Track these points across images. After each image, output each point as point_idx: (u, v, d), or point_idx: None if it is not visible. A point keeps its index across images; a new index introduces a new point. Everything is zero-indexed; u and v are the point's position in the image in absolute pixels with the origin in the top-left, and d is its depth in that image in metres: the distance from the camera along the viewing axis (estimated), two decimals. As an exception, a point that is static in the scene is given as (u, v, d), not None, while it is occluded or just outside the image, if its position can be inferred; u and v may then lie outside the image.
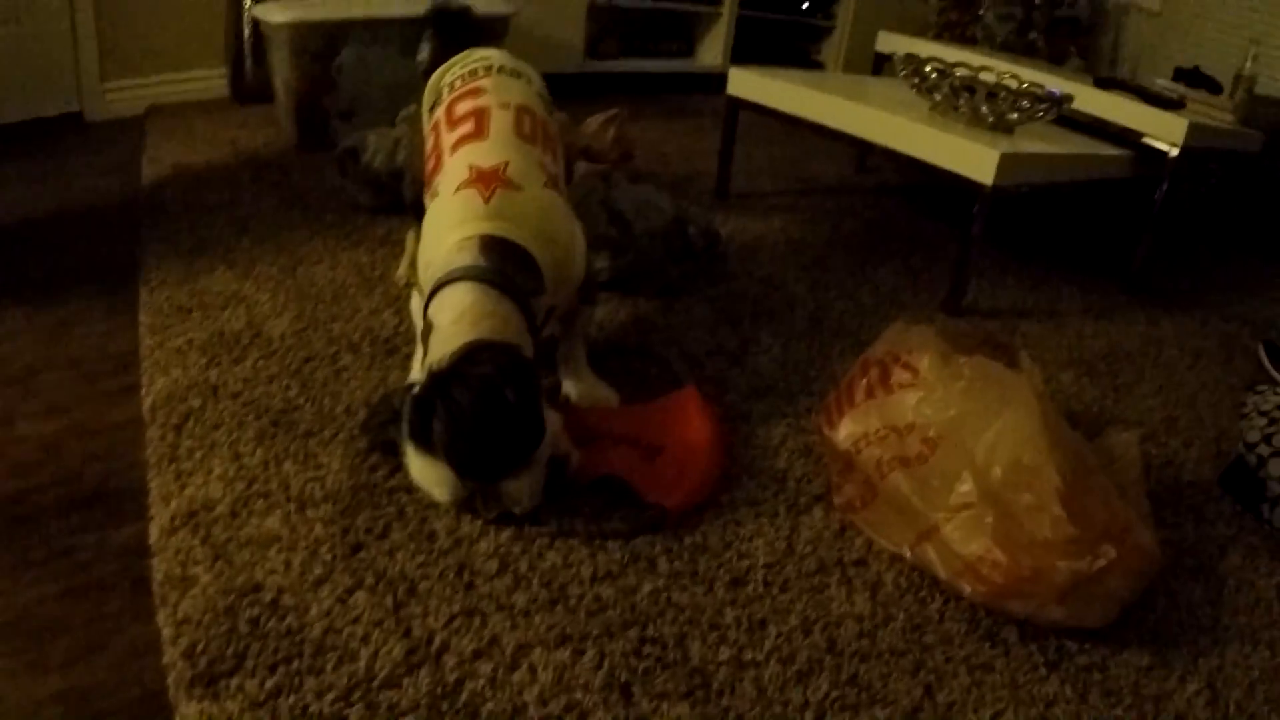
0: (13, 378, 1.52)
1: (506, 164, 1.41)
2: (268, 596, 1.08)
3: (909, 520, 1.29)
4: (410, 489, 1.28)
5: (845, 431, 1.41)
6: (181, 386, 1.48)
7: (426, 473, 1.21)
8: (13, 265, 1.91)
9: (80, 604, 1.08)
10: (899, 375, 1.40)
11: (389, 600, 1.10)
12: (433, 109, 1.62)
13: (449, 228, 1.35)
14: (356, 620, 1.06)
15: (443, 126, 1.53)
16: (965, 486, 1.24)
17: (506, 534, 1.23)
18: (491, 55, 1.65)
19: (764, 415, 1.63)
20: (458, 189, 1.38)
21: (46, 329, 1.67)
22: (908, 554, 1.29)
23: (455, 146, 1.47)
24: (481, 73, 1.59)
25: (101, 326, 1.70)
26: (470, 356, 1.20)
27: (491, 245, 1.32)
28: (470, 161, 1.42)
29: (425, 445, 1.19)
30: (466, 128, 1.48)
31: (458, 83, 1.59)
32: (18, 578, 1.11)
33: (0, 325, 1.66)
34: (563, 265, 1.40)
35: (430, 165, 1.52)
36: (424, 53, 1.79)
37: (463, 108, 1.52)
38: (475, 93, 1.54)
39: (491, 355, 1.21)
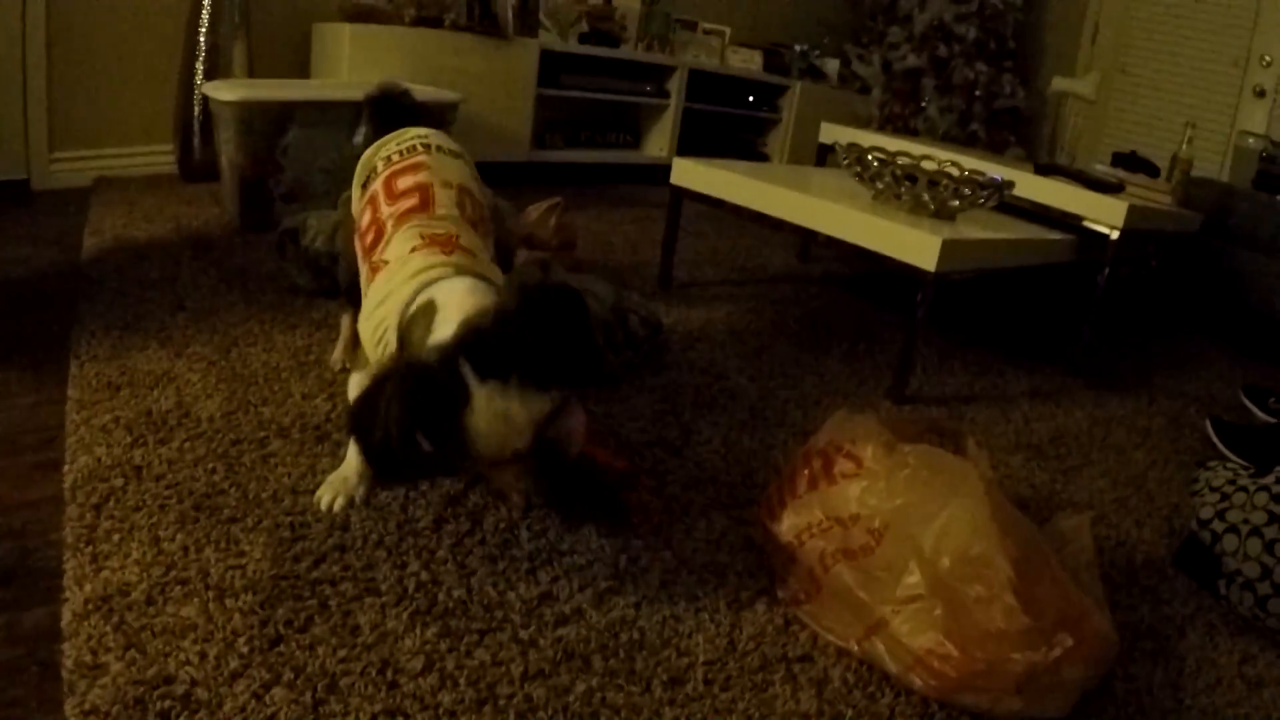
0: (-71, 449, 1.45)
1: (458, 235, 1.41)
2: (180, 689, 1.02)
3: (855, 613, 1.25)
4: (335, 581, 1.23)
5: (787, 523, 1.38)
6: (104, 465, 1.42)
7: (497, 421, 1.14)
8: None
9: (-16, 689, 1.01)
10: (842, 465, 1.37)
11: (308, 697, 1.04)
12: (365, 184, 1.60)
13: (412, 275, 1.33)
14: (272, 717, 1.00)
15: (381, 199, 1.50)
16: (913, 578, 1.21)
17: (433, 630, 1.18)
18: (429, 134, 1.64)
19: (705, 507, 1.59)
20: (413, 250, 1.37)
21: (-31, 399, 1.61)
22: (855, 648, 1.25)
23: (400, 219, 1.44)
24: (420, 149, 1.57)
25: (28, 399, 1.64)
26: (520, 293, 1.18)
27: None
28: (421, 231, 1.41)
29: (504, 379, 1.13)
30: (410, 201, 1.47)
31: (395, 157, 1.57)
32: (-82, 661, 1.04)
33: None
34: None
35: (369, 239, 1.49)
36: (360, 136, 1.78)
37: (404, 182, 1.50)
38: (416, 168, 1.53)
39: (541, 285, 1.20)
